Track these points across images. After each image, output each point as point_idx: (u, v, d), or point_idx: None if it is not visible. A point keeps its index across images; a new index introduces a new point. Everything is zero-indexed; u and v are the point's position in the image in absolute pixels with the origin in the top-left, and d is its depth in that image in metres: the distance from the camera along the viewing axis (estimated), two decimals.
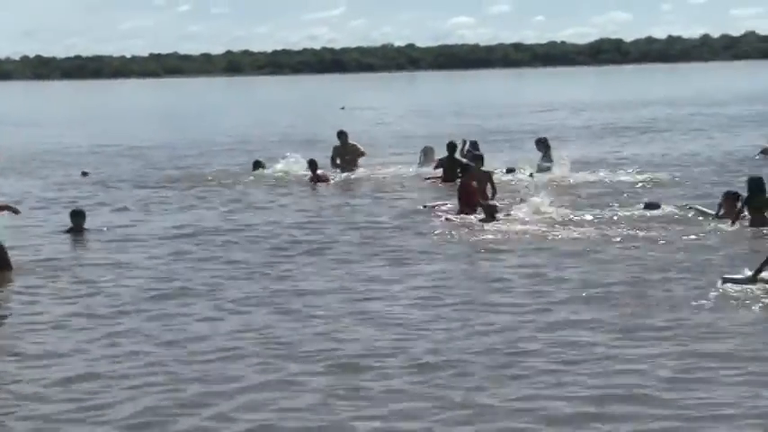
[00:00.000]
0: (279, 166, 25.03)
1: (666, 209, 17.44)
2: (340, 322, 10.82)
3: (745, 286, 11.40)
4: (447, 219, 17.34)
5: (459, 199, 17.93)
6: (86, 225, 16.90)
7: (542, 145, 23.92)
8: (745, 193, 16.00)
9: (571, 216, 17.09)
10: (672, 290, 11.77)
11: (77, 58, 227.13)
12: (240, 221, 17.94)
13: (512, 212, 17.34)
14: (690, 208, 17.04)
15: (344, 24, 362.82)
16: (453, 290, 12.26)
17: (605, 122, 43.51)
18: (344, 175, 24.11)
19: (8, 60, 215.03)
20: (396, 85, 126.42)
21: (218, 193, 22.15)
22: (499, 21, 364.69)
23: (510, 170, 23.35)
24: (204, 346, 10.00)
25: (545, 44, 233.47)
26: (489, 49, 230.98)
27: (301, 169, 24.29)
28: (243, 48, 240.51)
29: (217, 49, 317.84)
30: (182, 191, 22.54)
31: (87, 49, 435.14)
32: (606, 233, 15.55)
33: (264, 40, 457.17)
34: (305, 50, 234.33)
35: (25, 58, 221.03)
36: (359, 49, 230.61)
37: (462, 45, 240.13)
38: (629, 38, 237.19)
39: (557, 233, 15.72)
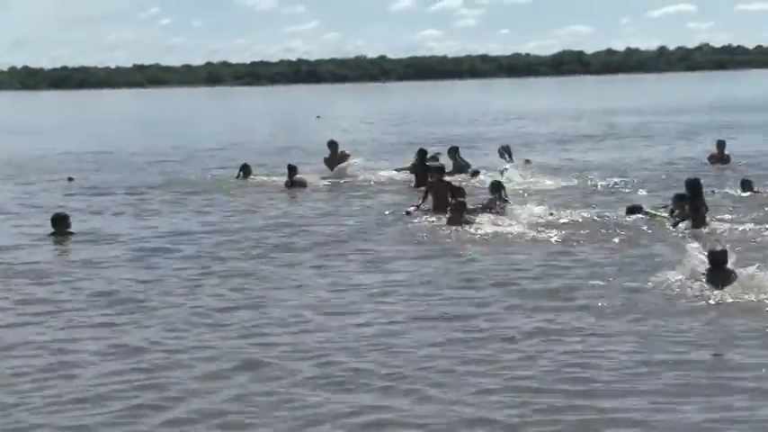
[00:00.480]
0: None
1: (621, 211, 17.42)
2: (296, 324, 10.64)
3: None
4: (412, 214, 17.54)
5: (425, 199, 18.18)
6: (72, 228, 16.64)
7: (505, 151, 23.90)
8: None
9: (537, 219, 16.97)
10: (624, 287, 11.70)
11: (64, 68, 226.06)
12: (217, 225, 17.71)
13: (479, 215, 17.25)
14: (645, 213, 16.99)
15: (319, 37, 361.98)
16: (417, 289, 12.07)
17: (569, 130, 43.60)
18: (328, 180, 23.94)
19: None
20: (368, 94, 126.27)
21: (199, 197, 21.92)
22: (466, 34, 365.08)
23: (475, 173, 23.35)
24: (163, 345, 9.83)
25: (510, 56, 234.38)
26: (457, 60, 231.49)
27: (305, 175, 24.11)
28: (222, 59, 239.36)
29: (197, 60, 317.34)
30: (164, 195, 22.29)
31: (73, 60, 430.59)
32: (569, 236, 15.46)
33: (242, 52, 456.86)
34: (281, 62, 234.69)
35: (13, 69, 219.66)
36: (333, 61, 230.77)
37: (431, 57, 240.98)
38: (589, 50, 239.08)
39: (524, 235, 15.62)
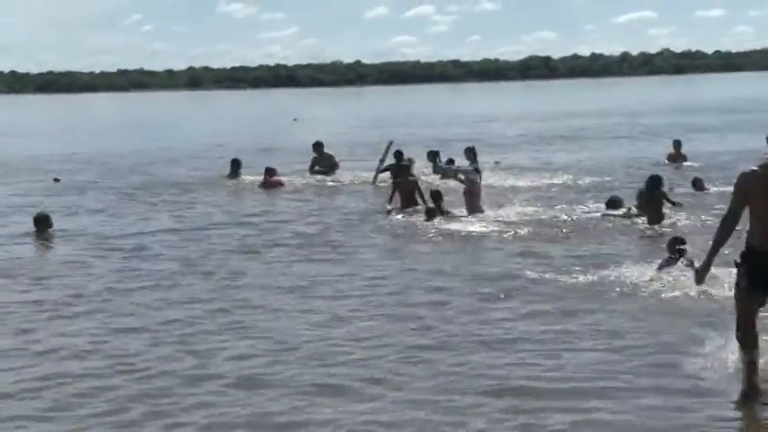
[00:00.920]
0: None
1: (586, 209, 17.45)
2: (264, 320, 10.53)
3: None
4: (392, 214, 17.47)
5: (392, 197, 18.30)
6: (55, 227, 16.44)
7: (470, 153, 23.77)
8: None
9: (505, 217, 16.94)
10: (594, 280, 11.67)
11: (50, 73, 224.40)
12: (195, 224, 17.52)
13: (451, 212, 17.22)
14: (605, 215, 16.82)
15: (297, 43, 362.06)
16: (389, 287, 11.92)
17: (537, 132, 43.61)
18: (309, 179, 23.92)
19: None
20: (344, 98, 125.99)
21: (180, 197, 21.76)
22: (438, 40, 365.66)
23: (450, 161, 23.54)
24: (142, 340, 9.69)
25: (480, 61, 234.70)
26: (429, 65, 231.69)
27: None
28: (203, 64, 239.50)
29: (179, 65, 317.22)
30: (147, 196, 22.06)
31: (59, 65, 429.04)
32: (537, 234, 15.43)
33: (223, 57, 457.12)
34: (261, 67, 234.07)
35: (0, 74, 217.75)
36: (310, 66, 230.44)
37: (405, 62, 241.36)
38: (556, 55, 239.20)
39: (492, 232, 15.59)
